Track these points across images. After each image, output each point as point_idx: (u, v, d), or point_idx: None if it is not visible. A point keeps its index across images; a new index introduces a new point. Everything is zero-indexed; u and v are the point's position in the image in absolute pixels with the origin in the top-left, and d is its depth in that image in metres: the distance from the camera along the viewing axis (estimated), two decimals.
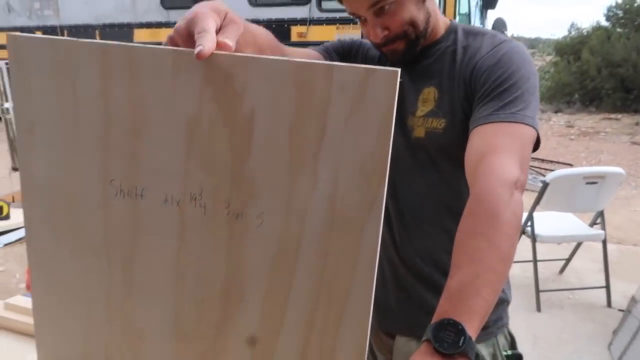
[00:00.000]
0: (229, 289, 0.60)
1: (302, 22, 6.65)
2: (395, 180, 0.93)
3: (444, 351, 0.59)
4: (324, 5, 6.66)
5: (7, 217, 2.73)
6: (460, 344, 0.59)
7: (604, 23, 12.68)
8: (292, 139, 0.53)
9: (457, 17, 6.06)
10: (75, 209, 0.60)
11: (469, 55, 0.90)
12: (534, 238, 2.82)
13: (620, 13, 12.25)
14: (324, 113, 0.52)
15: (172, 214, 0.57)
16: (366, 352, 0.61)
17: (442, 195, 0.95)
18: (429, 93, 0.92)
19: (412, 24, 0.89)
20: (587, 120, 9.59)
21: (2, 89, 3.60)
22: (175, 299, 0.61)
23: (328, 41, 1.06)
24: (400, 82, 0.50)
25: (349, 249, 0.55)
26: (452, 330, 0.60)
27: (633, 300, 2.42)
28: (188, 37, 0.55)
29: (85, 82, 0.55)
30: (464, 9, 6.81)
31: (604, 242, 2.89)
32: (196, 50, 0.51)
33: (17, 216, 2.78)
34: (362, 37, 1.06)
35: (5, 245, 3.00)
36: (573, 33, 13.24)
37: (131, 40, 6.91)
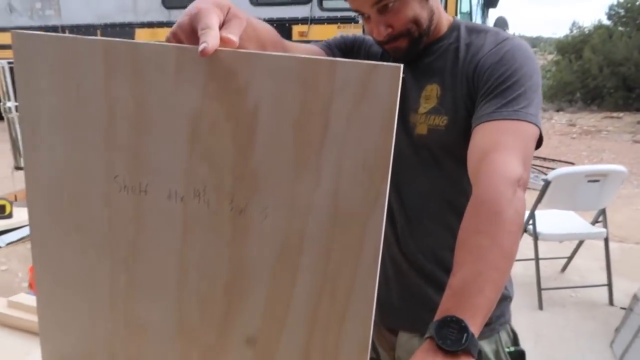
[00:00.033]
0: (232, 285, 0.60)
1: (304, 21, 6.65)
2: (399, 177, 0.93)
3: (447, 348, 0.59)
4: (325, 4, 6.66)
5: (9, 215, 2.73)
6: (463, 341, 0.59)
7: (606, 22, 12.67)
8: (295, 134, 0.53)
9: (459, 16, 6.06)
10: (79, 205, 0.60)
11: (471, 52, 0.90)
12: (535, 236, 2.82)
13: (622, 12, 12.22)
14: (327, 109, 0.52)
15: (175, 209, 0.58)
16: (369, 349, 0.61)
17: (444, 193, 0.96)
18: (432, 90, 0.92)
19: (416, 22, 0.89)
20: (588, 119, 9.57)
21: (4, 88, 3.60)
22: (179, 295, 0.62)
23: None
24: (402, 78, 0.50)
25: (352, 244, 0.56)
26: (454, 327, 0.60)
27: (635, 298, 2.42)
28: (191, 32, 0.56)
29: (89, 78, 0.56)
30: (465, 7, 6.80)
31: (606, 240, 2.89)
32: (200, 47, 0.51)
33: (19, 215, 2.79)
34: (363, 32, 1.06)
35: (8, 244, 3.00)
36: (575, 32, 13.22)
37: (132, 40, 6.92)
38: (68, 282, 0.64)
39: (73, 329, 0.66)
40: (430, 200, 0.96)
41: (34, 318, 0.91)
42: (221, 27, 0.56)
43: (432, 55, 0.94)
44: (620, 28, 11.92)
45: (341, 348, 0.60)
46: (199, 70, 0.53)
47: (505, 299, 1.01)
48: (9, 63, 3.55)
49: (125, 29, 7.46)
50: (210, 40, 0.51)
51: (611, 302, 2.89)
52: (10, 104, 3.58)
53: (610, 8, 12.52)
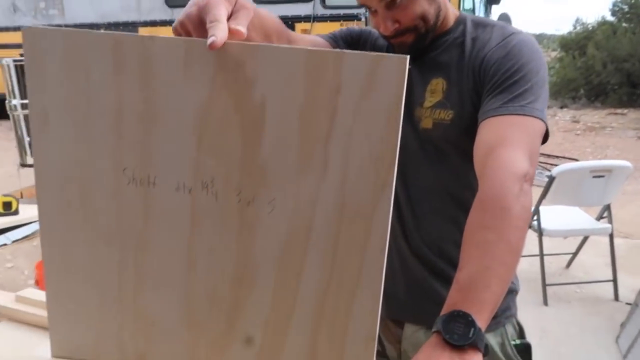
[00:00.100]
0: (240, 277, 0.60)
1: (306, 19, 6.65)
2: (405, 171, 0.94)
3: (454, 342, 0.59)
4: (328, 1, 6.66)
5: (16, 212, 2.75)
6: (470, 335, 0.59)
7: (610, 18, 12.61)
8: (302, 126, 0.54)
9: None
10: (88, 198, 0.61)
11: (478, 46, 0.90)
12: (540, 232, 2.81)
13: (626, 8, 12.15)
14: (334, 100, 0.52)
15: (183, 201, 0.58)
16: (376, 339, 0.61)
17: (449, 187, 0.96)
18: (437, 84, 0.92)
19: (423, 18, 0.88)
20: (592, 116, 9.53)
21: (9, 86, 3.62)
22: (187, 287, 0.62)
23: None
24: (408, 71, 0.50)
25: (359, 235, 0.56)
26: (462, 321, 0.61)
27: None
28: (199, 24, 0.56)
29: (98, 72, 0.56)
30: (468, 4, 6.79)
31: (611, 236, 2.88)
32: (209, 40, 0.51)
33: (25, 212, 2.81)
34: (365, 25, 1.06)
35: (14, 241, 3.03)
36: (578, 28, 13.16)
37: None
38: (77, 275, 0.65)
39: (82, 321, 0.66)
40: (436, 194, 0.96)
41: (41, 312, 0.92)
42: (229, 18, 0.56)
43: (437, 49, 0.94)
44: (624, 24, 11.85)
45: (348, 340, 0.61)
46: (207, 63, 0.54)
47: (511, 292, 1.01)
48: (15, 61, 3.56)
49: (128, 28, 7.48)
50: (219, 33, 0.52)
51: (616, 298, 2.88)
52: (16, 101, 3.60)
53: (614, 4, 12.46)
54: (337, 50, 0.53)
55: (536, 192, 2.74)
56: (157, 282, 0.63)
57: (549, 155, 6.13)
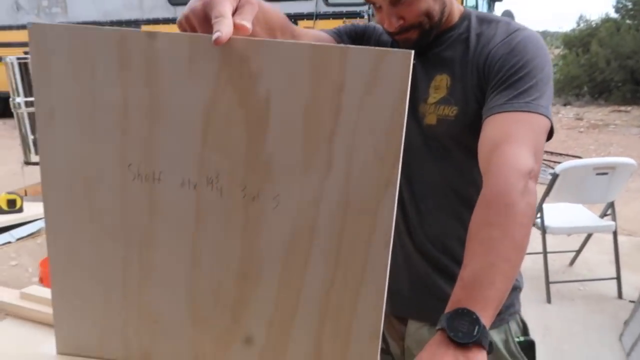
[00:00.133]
0: (244, 272, 0.61)
1: (309, 16, 6.64)
2: (409, 167, 0.93)
3: (458, 340, 0.59)
4: None
5: (20, 209, 2.77)
6: (475, 333, 0.59)
7: (613, 15, 12.55)
8: (307, 121, 0.54)
9: None
10: (93, 194, 0.61)
11: (482, 42, 0.89)
12: (543, 229, 2.81)
13: (630, 4, 12.10)
14: (339, 95, 0.52)
15: (188, 197, 0.58)
16: (380, 336, 0.61)
17: (453, 183, 0.96)
18: (441, 80, 0.92)
19: (428, 14, 0.88)
20: (596, 113, 9.50)
21: (14, 84, 3.63)
22: (192, 282, 0.62)
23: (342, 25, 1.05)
24: (412, 67, 0.50)
25: (363, 230, 0.56)
26: (466, 319, 0.60)
27: None
28: (204, 19, 0.56)
29: (104, 68, 0.56)
30: (471, 1, 6.77)
31: (615, 234, 2.87)
32: (214, 36, 0.51)
33: (29, 209, 2.82)
34: (369, 20, 1.06)
35: (18, 239, 3.04)
36: (582, 25, 13.11)
37: None
38: (82, 271, 0.65)
39: (87, 318, 0.67)
40: (440, 190, 0.96)
41: (46, 309, 0.92)
42: (234, 13, 0.56)
43: (442, 45, 0.93)
44: (628, 21, 11.79)
45: (353, 335, 0.61)
46: (212, 59, 0.54)
47: (515, 289, 1.00)
48: (18, 59, 3.57)
49: (131, 26, 7.48)
50: (224, 28, 0.52)
51: (620, 296, 2.88)
52: (20, 99, 3.61)
53: (618, 1, 12.40)
54: (342, 45, 0.53)
55: (539, 190, 2.73)
56: (162, 278, 0.63)
57: (552, 153, 6.12)
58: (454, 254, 0.96)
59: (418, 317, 1.01)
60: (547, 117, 0.81)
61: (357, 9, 6.48)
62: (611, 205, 2.89)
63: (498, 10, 9.44)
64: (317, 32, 0.98)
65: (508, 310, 0.99)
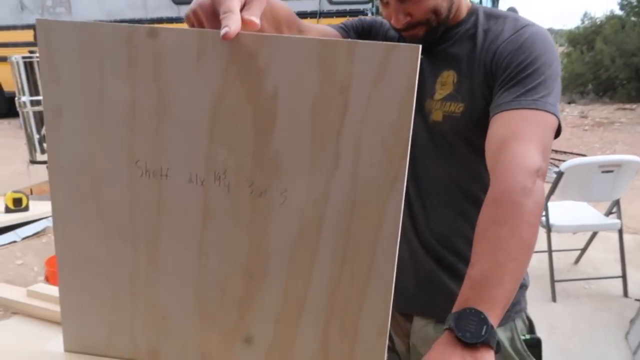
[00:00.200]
0: (252, 268, 0.61)
1: (312, 15, 6.64)
2: (415, 163, 0.93)
3: (466, 340, 0.59)
4: None
5: (26, 208, 2.78)
6: (483, 333, 0.59)
7: (618, 12, 12.49)
8: (314, 116, 0.54)
9: None
10: (101, 191, 0.61)
11: (490, 39, 0.89)
12: (548, 228, 2.80)
13: (635, 2, 12.04)
14: (347, 90, 0.52)
15: (196, 193, 0.58)
16: (387, 332, 0.61)
17: (459, 180, 0.95)
18: (448, 76, 0.91)
19: (435, 11, 0.88)
20: (601, 111, 9.46)
21: (19, 83, 3.64)
22: (199, 278, 0.62)
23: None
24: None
25: (370, 225, 0.56)
26: (474, 319, 0.60)
27: None
28: (212, 14, 0.56)
29: (112, 64, 0.56)
30: None
31: (620, 232, 2.86)
32: (222, 31, 0.51)
33: (35, 208, 2.83)
34: (373, 14, 1.06)
35: (23, 238, 3.05)
36: (586, 23, 13.05)
37: None
38: (90, 268, 0.65)
39: (94, 314, 0.67)
40: (445, 187, 0.96)
41: (53, 307, 0.92)
42: (242, 8, 0.56)
43: (449, 41, 0.93)
44: (633, 18, 11.73)
45: (360, 332, 0.61)
46: (219, 54, 0.54)
47: (521, 287, 1.00)
48: (24, 58, 3.59)
49: None
50: (232, 24, 0.52)
51: (626, 294, 2.86)
52: (25, 98, 3.62)
53: None
54: (349, 40, 0.52)
55: (545, 188, 2.72)
56: (169, 274, 0.63)
57: (556, 151, 6.09)
58: (459, 251, 0.96)
59: (423, 314, 1.01)
60: (555, 115, 0.80)
61: (361, 7, 6.47)
62: (616, 203, 2.87)
63: (502, 7, 9.42)
64: (324, 27, 0.98)
65: (514, 308, 0.98)
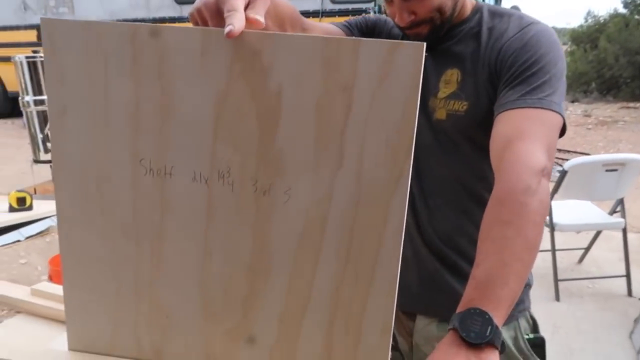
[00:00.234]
0: (256, 266, 0.60)
1: (315, 14, 6.63)
2: (418, 162, 0.93)
3: (471, 341, 0.59)
4: None
5: (30, 207, 2.79)
6: (487, 333, 0.59)
7: (622, 10, 12.44)
8: (318, 114, 0.53)
9: None
10: (105, 189, 0.61)
11: (494, 37, 0.88)
12: (552, 227, 2.79)
13: (639, 0, 12.00)
14: (351, 88, 0.52)
15: (200, 191, 0.58)
16: (392, 330, 0.61)
17: (463, 178, 0.95)
18: (452, 75, 0.91)
19: (440, 10, 0.88)
20: (604, 110, 9.43)
21: (23, 83, 3.65)
22: (203, 277, 0.62)
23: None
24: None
25: (375, 224, 0.56)
26: (479, 319, 0.60)
27: None
28: (216, 12, 0.56)
29: (116, 62, 0.56)
30: None
31: (624, 231, 2.84)
32: (226, 30, 0.51)
33: (39, 207, 2.84)
34: (376, 14, 1.06)
35: (27, 238, 3.05)
36: (590, 21, 13.01)
37: None
38: (94, 267, 0.65)
39: (99, 313, 0.67)
40: (449, 186, 0.96)
41: (57, 306, 0.93)
42: (246, 7, 0.56)
43: (453, 39, 0.93)
44: (636, 16, 11.68)
45: (364, 330, 0.61)
46: (223, 52, 0.54)
47: (525, 286, 1.00)
48: (27, 58, 3.60)
49: None
50: (236, 22, 0.52)
51: (630, 293, 2.85)
52: (29, 98, 3.63)
53: None
54: (354, 38, 0.52)
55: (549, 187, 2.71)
56: (173, 272, 0.63)
57: (560, 150, 6.07)
58: (463, 250, 0.95)
59: (426, 313, 1.01)
60: (560, 114, 0.80)
61: (363, 5, 6.46)
62: (620, 202, 2.86)
63: (505, 5, 9.39)
64: (328, 26, 0.98)
65: (518, 307, 0.98)
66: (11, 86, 8.20)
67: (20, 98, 3.74)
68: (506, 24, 0.89)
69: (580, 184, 2.72)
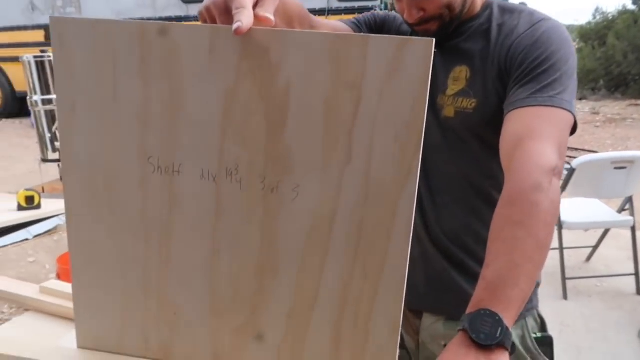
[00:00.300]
0: (263, 264, 0.60)
1: (321, 12, 6.62)
2: (426, 160, 0.92)
3: (481, 342, 0.58)
4: None
5: (38, 206, 2.80)
6: (498, 334, 0.58)
7: (631, 7, 12.33)
8: (327, 111, 0.53)
9: None
10: (114, 187, 0.61)
11: (504, 33, 0.87)
12: (560, 225, 2.77)
13: None
14: (359, 85, 0.52)
15: (208, 189, 0.58)
16: (400, 329, 0.61)
17: (471, 176, 0.94)
18: (461, 72, 0.90)
19: (449, 6, 0.87)
20: (613, 107, 9.35)
21: (31, 82, 3.68)
22: (211, 274, 0.62)
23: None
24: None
25: (383, 221, 0.55)
26: (489, 320, 0.59)
27: None
28: (225, 10, 0.56)
29: (125, 60, 0.57)
30: None
31: (633, 229, 2.82)
32: (234, 26, 0.51)
33: (47, 206, 2.86)
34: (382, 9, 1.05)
35: (35, 236, 3.08)
36: (598, 18, 12.90)
37: None
38: (102, 265, 0.65)
39: (107, 311, 0.67)
40: (456, 184, 0.95)
41: (65, 303, 0.93)
42: (255, 5, 0.56)
43: (462, 36, 0.92)
44: None
45: (372, 327, 0.61)
46: (232, 50, 0.54)
47: None
48: (35, 57, 3.62)
49: None
50: (245, 19, 0.52)
51: (638, 292, 2.83)
52: (37, 97, 3.66)
53: None
54: (362, 34, 0.52)
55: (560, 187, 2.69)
56: (181, 270, 0.63)
57: (567, 148, 6.03)
58: (470, 248, 0.95)
59: (433, 311, 1.01)
60: (571, 113, 0.79)
61: (369, 3, 6.45)
62: (629, 200, 2.84)
63: (513, 2, 9.34)
64: (336, 23, 0.98)
65: (525, 305, 0.97)
66: (19, 86, 8.25)
67: (28, 98, 3.77)
68: (516, 21, 0.88)
69: (588, 182, 2.70)
